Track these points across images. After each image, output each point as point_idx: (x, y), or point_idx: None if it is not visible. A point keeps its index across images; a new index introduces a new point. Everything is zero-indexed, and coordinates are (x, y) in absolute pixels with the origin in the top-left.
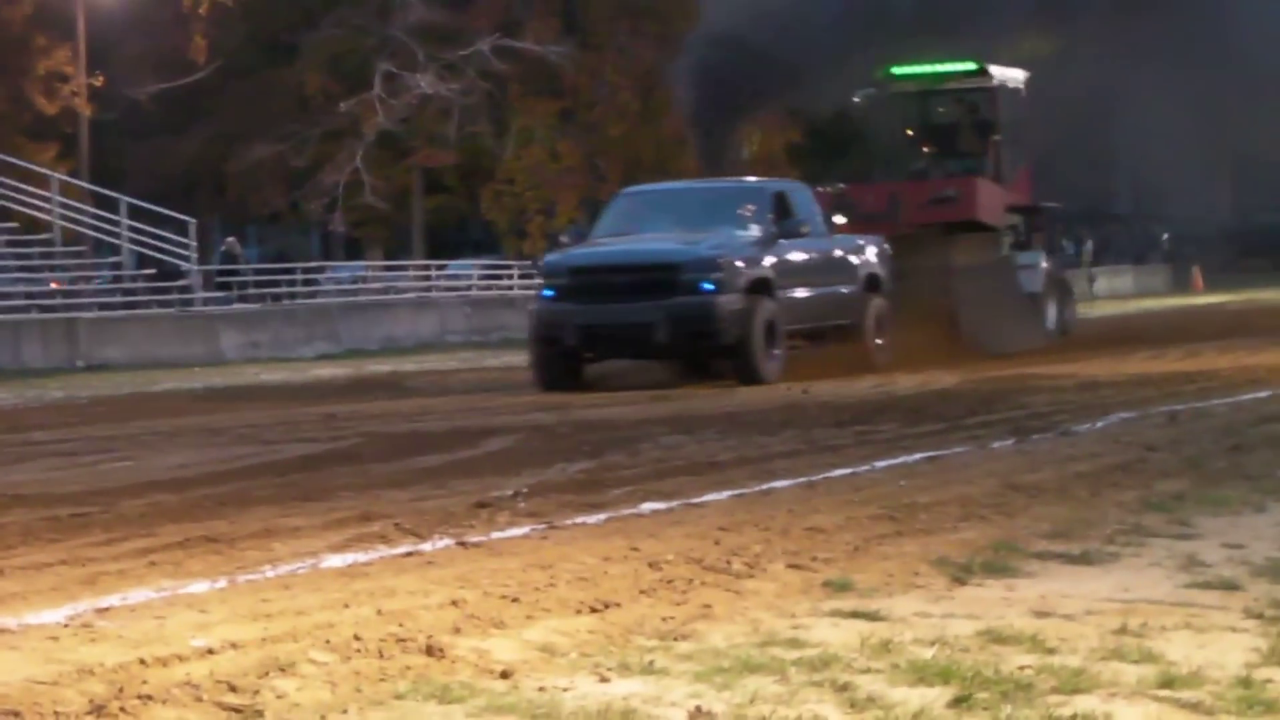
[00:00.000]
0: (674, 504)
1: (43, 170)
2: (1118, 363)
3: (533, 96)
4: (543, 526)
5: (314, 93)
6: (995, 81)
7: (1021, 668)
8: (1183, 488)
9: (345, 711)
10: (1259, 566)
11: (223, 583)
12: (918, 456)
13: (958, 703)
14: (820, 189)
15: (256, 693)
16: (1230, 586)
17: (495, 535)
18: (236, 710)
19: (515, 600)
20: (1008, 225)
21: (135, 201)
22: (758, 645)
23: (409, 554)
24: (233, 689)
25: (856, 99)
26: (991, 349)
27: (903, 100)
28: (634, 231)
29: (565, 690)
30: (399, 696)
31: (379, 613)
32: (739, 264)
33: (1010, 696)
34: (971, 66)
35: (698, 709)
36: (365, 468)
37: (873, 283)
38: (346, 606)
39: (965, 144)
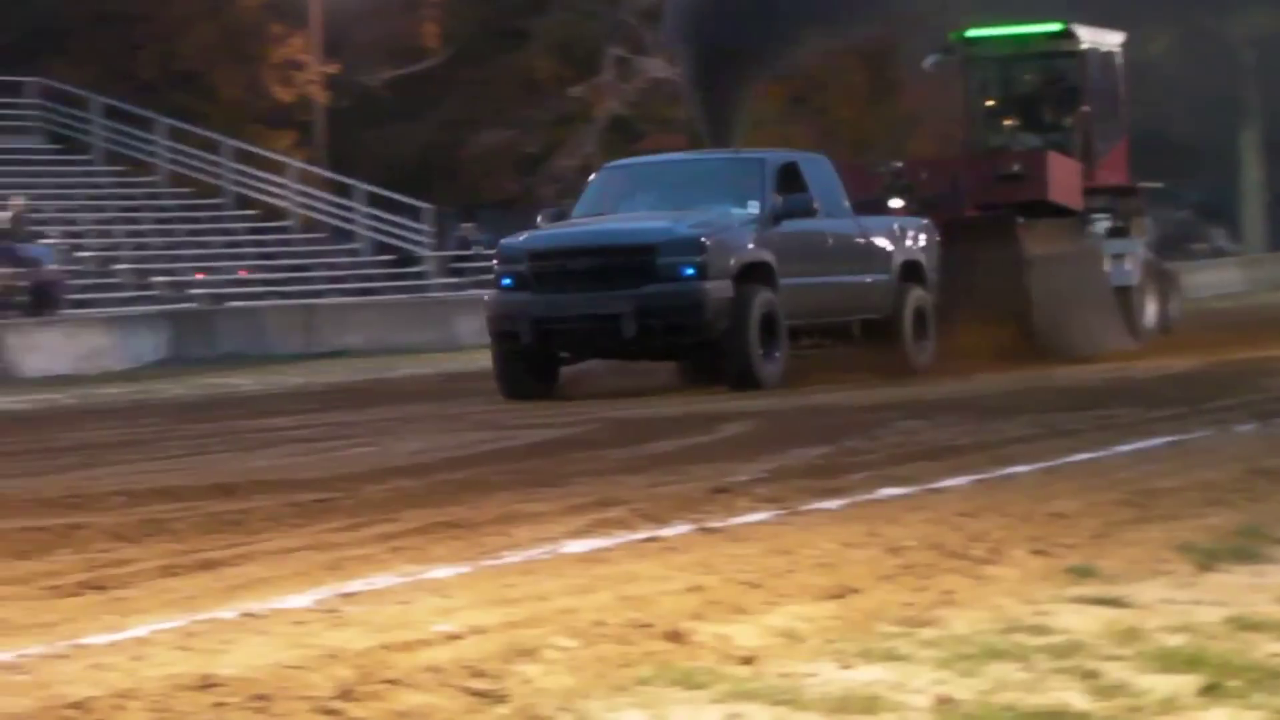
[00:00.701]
0: (913, 489)
1: (280, 158)
2: None
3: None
4: (782, 512)
5: (545, 78)
6: (1084, 45)
7: (1272, 655)
8: None
9: (589, 697)
10: None
11: (465, 568)
12: (1158, 441)
13: (1208, 690)
14: (871, 167)
15: (500, 677)
16: None
17: (734, 520)
18: (482, 695)
19: (756, 586)
20: (1099, 208)
21: (372, 188)
22: (1001, 632)
23: (649, 539)
24: (477, 674)
25: (926, 65)
26: (1068, 352)
27: (980, 66)
28: (616, 210)
29: (808, 677)
30: (642, 682)
31: (620, 598)
32: (728, 245)
33: (1262, 684)
34: (1056, 28)
35: (942, 696)
36: (600, 453)
37: (912, 272)
38: (588, 592)
39: (1050, 116)
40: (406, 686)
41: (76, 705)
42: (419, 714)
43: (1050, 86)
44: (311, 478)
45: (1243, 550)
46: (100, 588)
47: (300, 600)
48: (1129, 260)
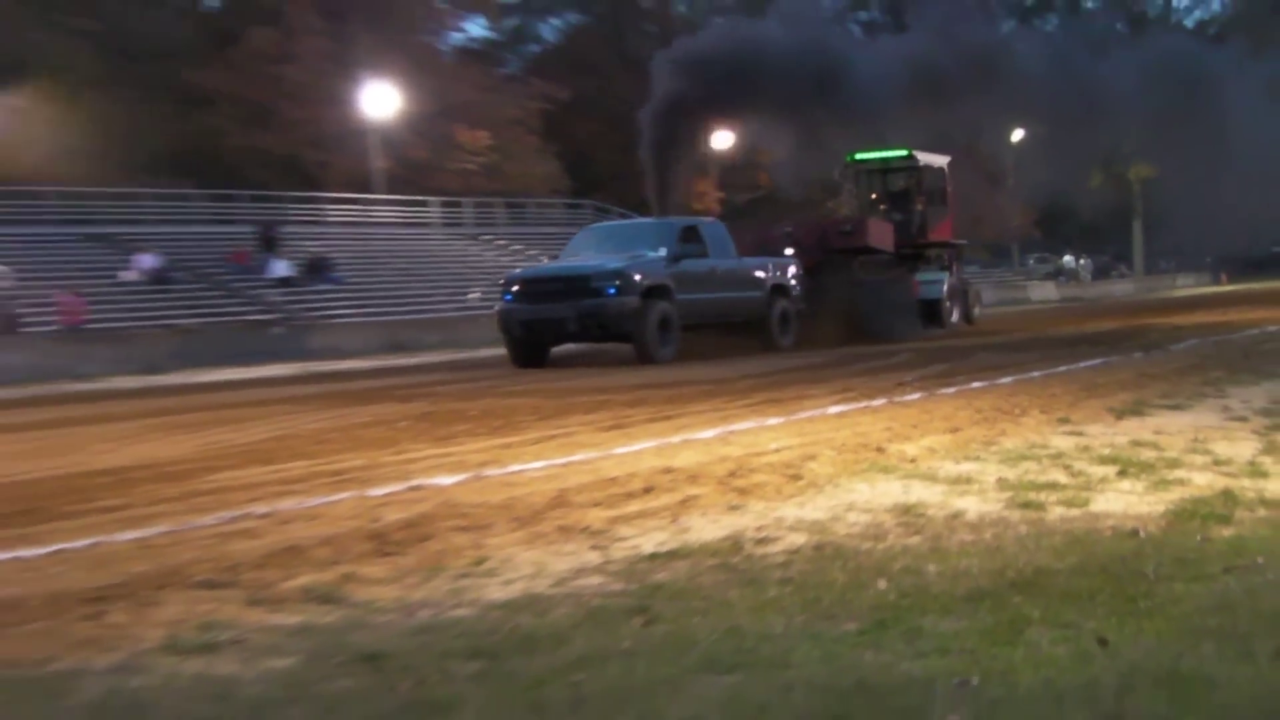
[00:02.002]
0: (985, 383)
1: None
2: (1188, 318)
3: None
4: (925, 394)
5: None
6: (921, 163)
7: (1150, 455)
8: (1221, 375)
9: (839, 477)
10: (1259, 409)
11: (782, 419)
12: (1096, 361)
13: (1121, 474)
14: (776, 229)
15: (799, 468)
16: (1244, 419)
17: (905, 398)
18: (791, 476)
19: (915, 426)
20: (932, 254)
21: None
22: (1027, 448)
23: (865, 406)
24: (789, 467)
25: (835, 175)
26: (887, 337)
27: (863, 175)
28: (582, 253)
29: (939, 468)
30: (863, 470)
31: (854, 432)
32: (636, 275)
33: (1145, 469)
34: (904, 153)
35: (1000, 479)
36: (838, 369)
37: (778, 290)
38: (839, 430)
39: (904, 203)
40: (755, 471)
41: (612, 479)
42: (761, 484)
43: (902, 186)
44: (710, 378)
45: (1135, 410)
46: (620, 427)
47: (709, 433)
48: (936, 284)
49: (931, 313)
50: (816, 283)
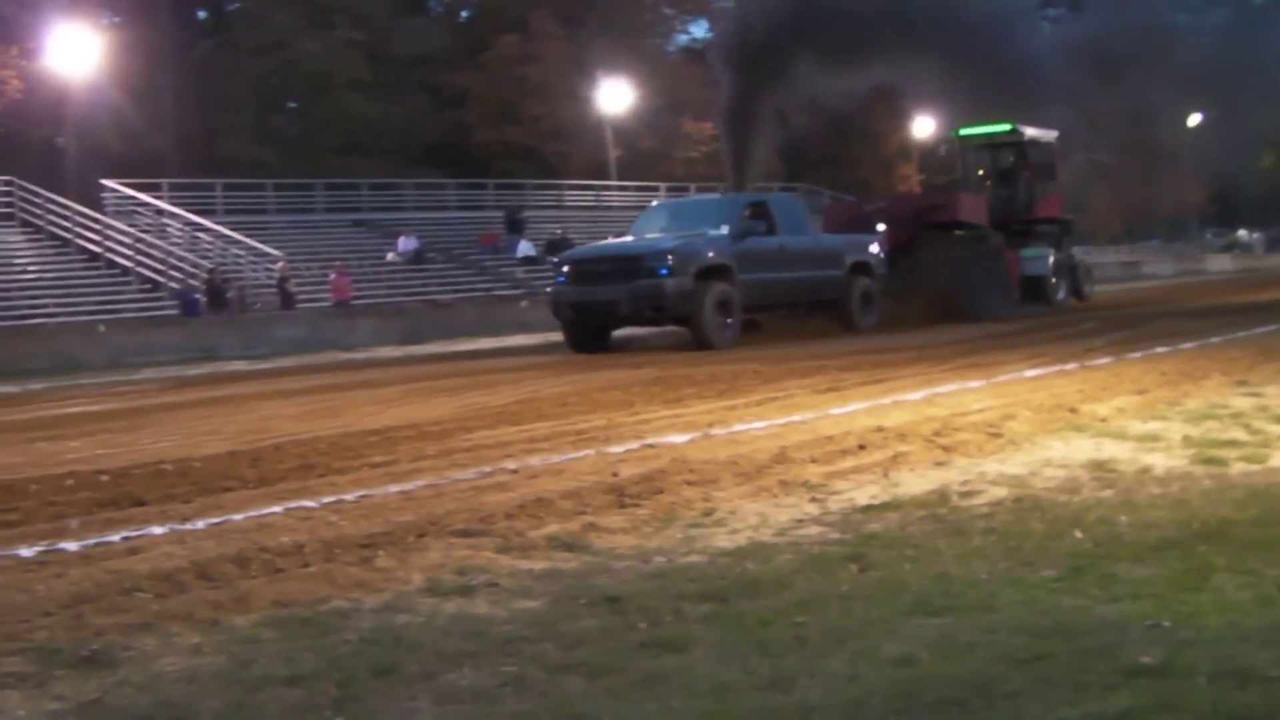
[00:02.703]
0: (1170, 349)
1: None
2: None
3: None
4: (1114, 359)
5: None
6: (1026, 137)
7: None
8: None
9: (1035, 435)
10: None
11: (982, 382)
12: (1272, 328)
13: None
14: (867, 205)
15: (999, 427)
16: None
17: (1095, 362)
18: (991, 434)
19: (1104, 388)
20: (1041, 231)
21: None
22: (1209, 407)
23: (1059, 370)
24: (990, 425)
25: (940, 151)
26: (973, 315)
27: (969, 150)
28: (649, 232)
29: (1128, 426)
30: (1058, 429)
31: (1049, 394)
32: (691, 255)
33: None
34: (1008, 127)
35: (1185, 437)
36: (1030, 335)
37: (859, 269)
38: (1034, 392)
39: (1009, 178)
40: (959, 430)
41: (829, 437)
42: (964, 441)
43: (1009, 161)
44: (915, 344)
45: None
46: (835, 390)
47: (916, 395)
48: (1040, 261)
49: (1036, 289)
50: (910, 260)
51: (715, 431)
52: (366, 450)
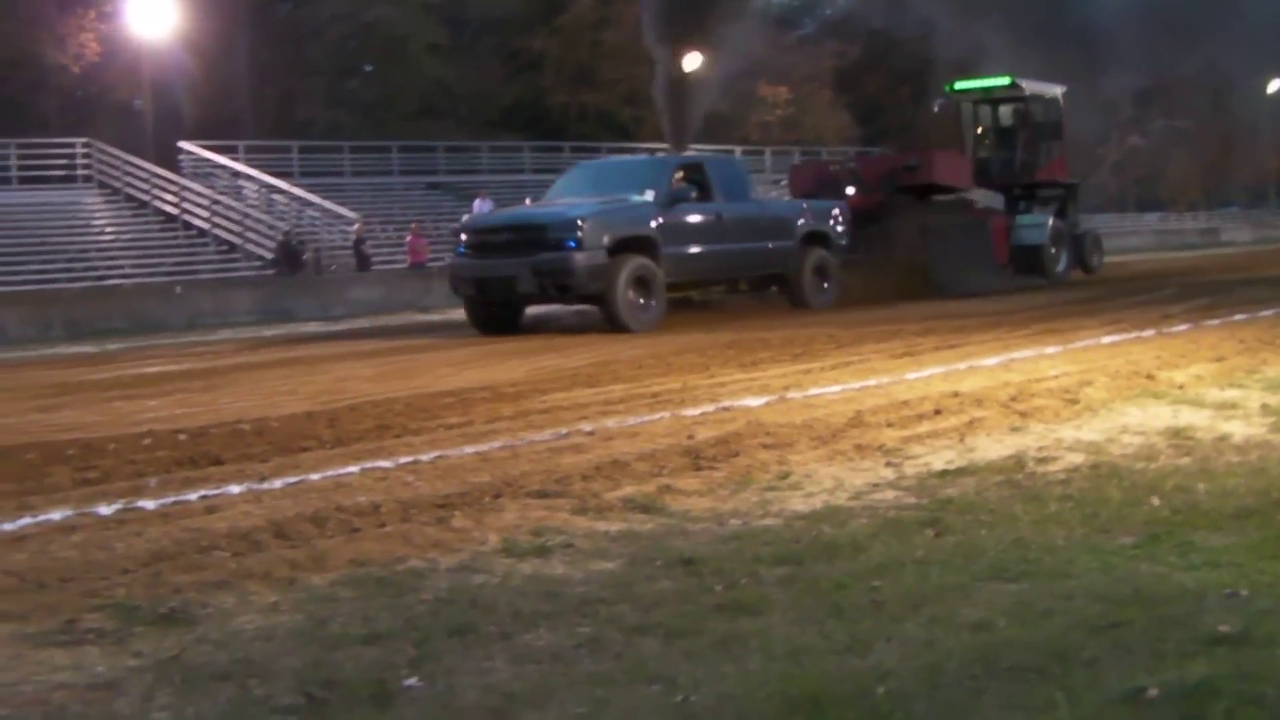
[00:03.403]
0: (1248, 316)
1: None
2: None
3: None
4: (1192, 325)
5: None
6: (1028, 92)
7: None
8: None
9: (1112, 401)
10: None
11: (1059, 348)
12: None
13: None
14: (835, 165)
15: (1076, 393)
16: None
17: (1173, 329)
18: (1071, 401)
19: (1182, 355)
20: (1044, 195)
21: None
22: None
23: (1136, 337)
24: (1066, 391)
25: (935, 107)
26: (949, 289)
27: (964, 106)
28: (566, 198)
29: (1206, 394)
30: (1135, 396)
31: (1125, 360)
32: (604, 224)
33: None
34: (1006, 81)
35: (1263, 405)
36: (1107, 301)
37: (813, 239)
38: (1111, 359)
39: (1010, 137)
40: (1035, 396)
41: (904, 402)
42: (1041, 407)
43: (1010, 119)
44: (991, 310)
45: None
46: (910, 354)
47: (992, 360)
48: (1036, 229)
49: (1031, 260)
50: (880, 228)
51: (790, 395)
52: (442, 411)
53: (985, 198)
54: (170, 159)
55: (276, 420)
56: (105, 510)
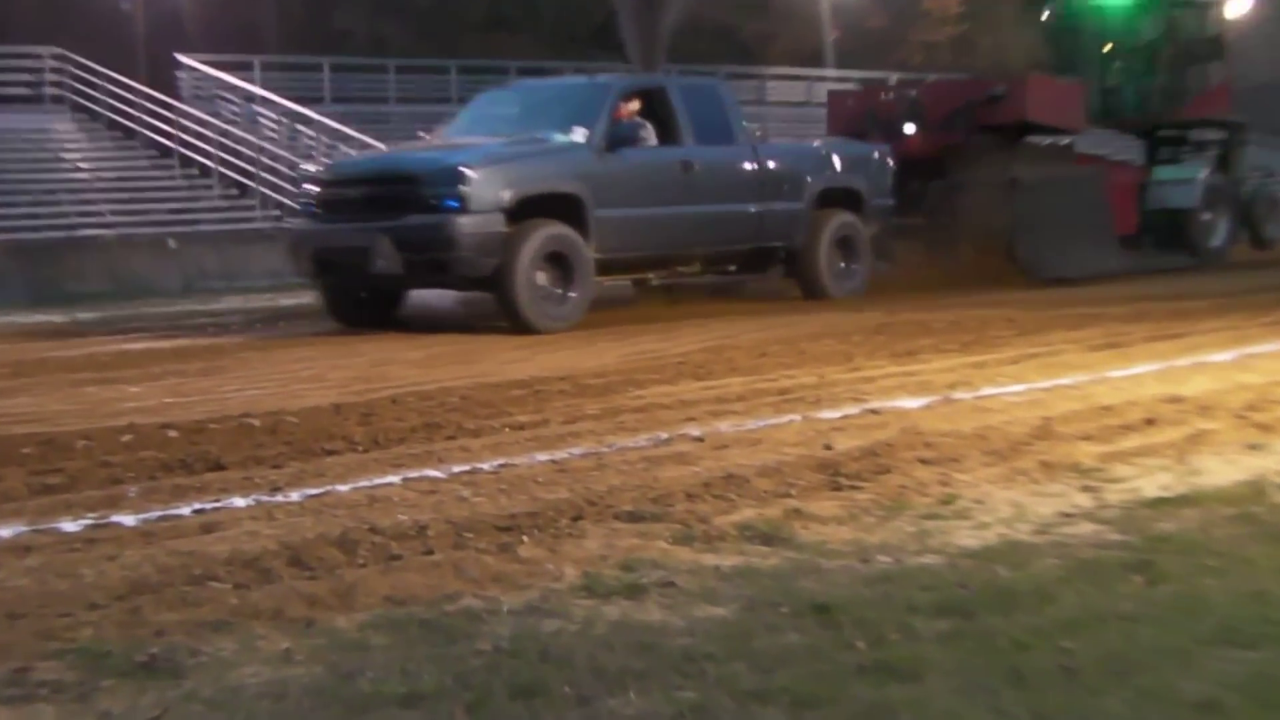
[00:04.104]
0: None
1: None
2: None
3: None
4: None
5: None
6: None
7: None
8: None
9: None
10: None
11: (1233, 354)
12: None
13: None
14: (888, 92)
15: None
16: None
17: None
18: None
19: None
20: (1200, 139)
21: None
22: None
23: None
24: None
25: (1043, 17)
26: (1048, 273)
27: (1084, 15)
28: (468, 135)
29: None
30: None
31: None
32: (499, 176)
33: None
34: None
35: None
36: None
37: (834, 197)
38: None
39: (1146, 59)
40: (1276, 403)
41: (1106, 408)
42: None
43: (1147, 33)
44: (1222, 289)
45: None
46: (1114, 346)
47: (1223, 356)
48: (1184, 186)
49: (1173, 230)
50: (949, 184)
51: (958, 395)
52: (508, 406)
53: (1103, 143)
54: (166, 77)
55: (295, 414)
56: (70, 526)
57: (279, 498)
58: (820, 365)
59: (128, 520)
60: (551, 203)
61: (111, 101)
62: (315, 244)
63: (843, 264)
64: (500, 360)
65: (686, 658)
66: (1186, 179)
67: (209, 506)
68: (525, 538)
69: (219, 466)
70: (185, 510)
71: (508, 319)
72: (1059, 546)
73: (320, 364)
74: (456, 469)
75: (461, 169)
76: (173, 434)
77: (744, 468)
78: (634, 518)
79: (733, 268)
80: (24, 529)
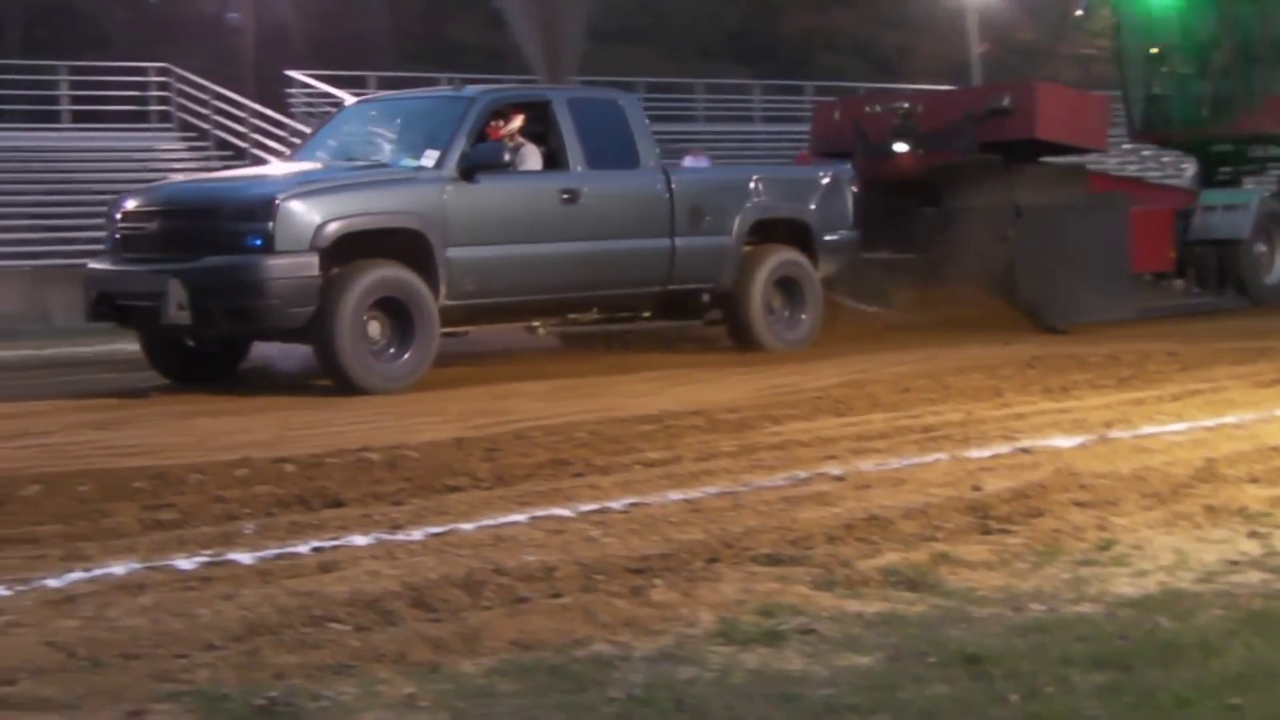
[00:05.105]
0: None
1: None
2: None
3: None
4: None
5: None
6: None
7: None
8: None
9: None
10: None
11: None
12: None
13: None
14: (874, 106)
15: None
16: None
17: None
18: None
19: None
20: (1261, 155)
21: None
22: None
23: None
24: None
25: (1078, 11)
26: (1058, 317)
27: (1124, 11)
28: (310, 157)
29: None
30: None
31: None
32: (315, 208)
33: None
34: None
35: None
36: None
37: (773, 230)
38: None
39: (1199, 61)
40: None
41: (1275, 449)
42: None
43: (1202, 31)
44: None
45: None
46: None
47: None
48: (1235, 213)
49: (1222, 264)
50: (943, 211)
51: (1115, 434)
52: (638, 443)
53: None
54: (275, 93)
55: (415, 449)
56: (184, 564)
57: (400, 536)
58: (967, 401)
59: (244, 558)
60: (385, 240)
61: (219, 119)
62: (103, 287)
63: (785, 310)
64: (628, 393)
65: (829, 709)
66: (1239, 204)
67: (328, 545)
68: (658, 580)
69: (337, 503)
70: (303, 548)
71: (328, 377)
72: (1224, 596)
73: (438, 395)
74: (585, 507)
75: (265, 201)
76: (289, 468)
77: (888, 509)
78: (772, 560)
79: (646, 314)
80: (137, 566)
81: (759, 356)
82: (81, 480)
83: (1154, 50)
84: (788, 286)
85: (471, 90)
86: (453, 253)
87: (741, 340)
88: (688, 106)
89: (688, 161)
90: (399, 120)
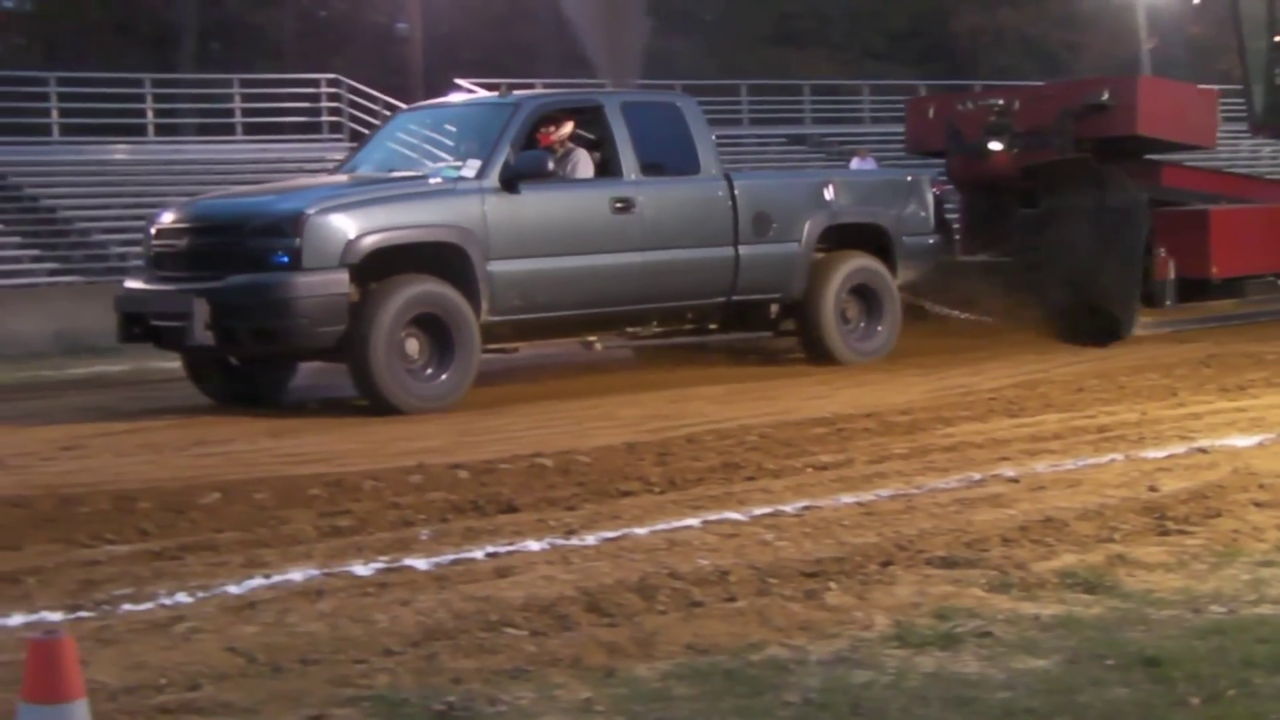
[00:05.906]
0: None
1: None
2: None
3: None
4: None
5: None
6: None
7: None
8: None
9: None
10: None
11: None
12: None
13: None
14: (964, 105)
15: None
16: None
17: None
18: None
19: None
20: None
21: None
22: None
23: None
24: None
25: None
26: (1118, 329)
27: None
28: (358, 166)
29: None
30: None
31: None
32: (345, 223)
33: None
34: None
35: None
36: None
37: (847, 237)
38: None
39: None
40: None
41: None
42: None
43: None
44: None
45: None
46: None
47: None
48: None
49: None
50: (1037, 215)
51: None
52: (810, 445)
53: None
54: None
55: (587, 454)
56: (362, 570)
57: (574, 541)
58: (1142, 401)
59: (420, 564)
60: (423, 254)
61: None
62: (132, 307)
63: (860, 320)
64: (801, 396)
65: (1007, 713)
66: None
67: (502, 550)
68: (832, 584)
69: (511, 508)
70: (478, 554)
71: (364, 397)
72: None
73: (610, 401)
74: (758, 511)
75: (293, 216)
76: (462, 474)
77: (1063, 510)
78: (947, 563)
79: (713, 326)
80: (315, 572)
81: (932, 360)
82: (259, 488)
83: (1277, 39)
84: (864, 295)
85: (517, 96)
86: (495, 266)
87: (814, 352)
88: (854, 108)
89: (855, 163)
90: (445, 128)
